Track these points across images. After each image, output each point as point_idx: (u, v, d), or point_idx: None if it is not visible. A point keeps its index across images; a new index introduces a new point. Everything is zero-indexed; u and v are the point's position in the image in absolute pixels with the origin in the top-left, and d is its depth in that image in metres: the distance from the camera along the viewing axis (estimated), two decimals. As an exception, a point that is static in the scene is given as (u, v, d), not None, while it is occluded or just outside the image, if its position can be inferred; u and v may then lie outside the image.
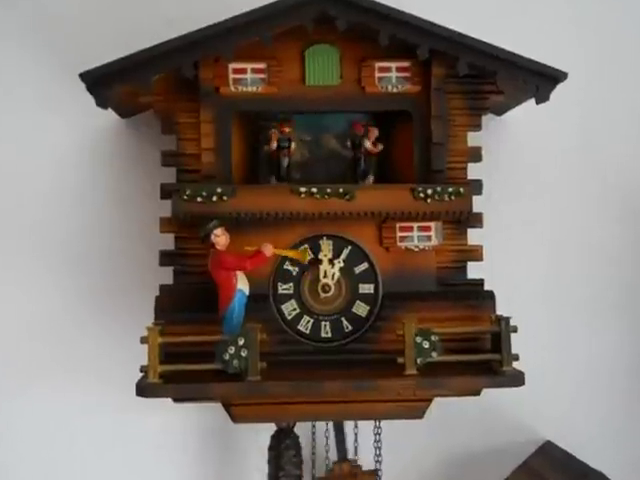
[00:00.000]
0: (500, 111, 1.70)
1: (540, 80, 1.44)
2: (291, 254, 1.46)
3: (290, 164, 1.53)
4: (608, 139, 1.78)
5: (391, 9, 1.39)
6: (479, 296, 1.49)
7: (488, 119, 1.61)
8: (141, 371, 1.37)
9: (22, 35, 1.71)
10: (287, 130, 1.51)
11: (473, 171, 1.51)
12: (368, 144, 1.52)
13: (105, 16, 1.71)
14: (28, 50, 1.71)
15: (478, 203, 1.49)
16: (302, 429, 1.62)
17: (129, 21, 1.70)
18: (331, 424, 1.65)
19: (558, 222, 1.76)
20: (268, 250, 1.40)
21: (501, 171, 1.72)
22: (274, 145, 1.51)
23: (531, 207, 1.75)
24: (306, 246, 1.47)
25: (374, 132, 1.52)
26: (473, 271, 1.52)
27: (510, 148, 1.75)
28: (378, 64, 1.49)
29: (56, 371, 1.69)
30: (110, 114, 1.57)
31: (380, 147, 1.52)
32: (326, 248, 1.48)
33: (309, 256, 1.48)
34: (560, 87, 1.45)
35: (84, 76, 1.39)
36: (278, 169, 1.52)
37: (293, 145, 1.53)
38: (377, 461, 1.60)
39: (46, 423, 1.71)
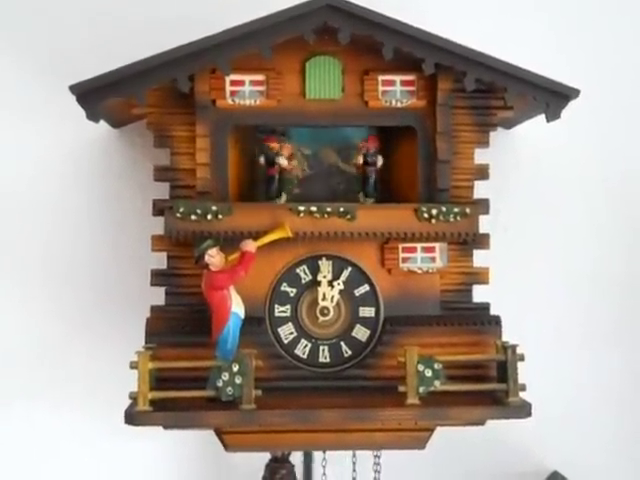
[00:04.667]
0: (509, 125, 1.65)
1: (551, 97, 1.39)
2: (275, 236, 1.38)
3: (283, 181, 1.49)
4: (625, 156, 1.72)
5: (396, 22, 1.33)
6: (485, 321, 1.45)
7: (496, 133, 1.55)
8: (130, 398, 1.32)
9: (4, 40, 1.65)
10: (275, 146, 1.47)
11: (479, 188, 1.46)
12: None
13: (95, 23, 1.65)
14: (11, 55, 1.65)
15: (484, 223, 1.44)
16: (298, 458, 1.57)
17: (122, 28, 1.64)
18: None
19: (569, 244, 1.71)
20: (251, 246, 1.36)
21: (509, 188, 1.67)
22: (261, 160, 1.47)
23: (541, 227, 1.69)
24: (283, 222, 1.39)
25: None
26: (479, 295, 1.47)
27: (519, 163, 1.69)
28: (382, 77, 1.44)
29: (41, 395, 1.64)
30: (100, 123, 1.50)
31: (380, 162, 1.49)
32: (325, 269, 1.44)
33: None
34: (574, 100, 1.40)
35: (74, 88, 1.33)
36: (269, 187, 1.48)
37: (282, 161, 1.47)
38: (376, 493, 1.55)
39: (30, 449, 1.65)
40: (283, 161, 1.47)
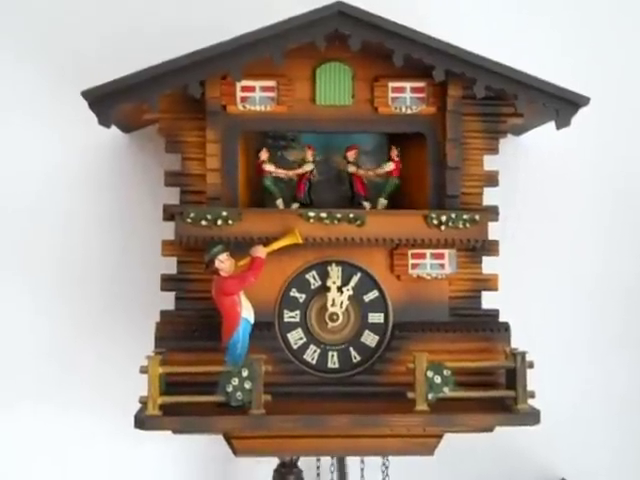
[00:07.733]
0: (518, 131, 1.65)
1: (561, 105, 1.39)
2: (285, 242, 1.39)
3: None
4: (634, 163, 1.72)
5: (407, 29, 1.34)
6: (494, 327, 1.45)
7: (505, 139, 1.55)
8: (140, 402, 1.32)
9: (16, 45, 1.66)
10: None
11: (488, 194, 1.47)
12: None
13: (107, 29, 1.66)
14: (23, 60, 1.66)
15: (494, 229, 1.45)
16: (306, 463, 1.56)
17: (134, 34, 1.65)
18: (335, 459, 1.59)
19: (577, 250, 1.70)
20: (261, 252, 1.36)
21: (518, 194, 1.67)
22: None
23: (549, 234, 1.69)
24: (293, 227, 1.39)
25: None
26: (488, 301, 1.47)
27: (528, 170, 1.69)
28: (392, 84, 1.44)
29: (50, 397, 1.64)
30: (111, 128, 1.50)
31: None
32: (335, 275, 1.44)
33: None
34: (584, 108, 1.40)
35: (87, 94, 1.34)
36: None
37: (268, 167, 1.48)
38: (385, 499, 1.55)
39: (38, 452, 1.65)
40: (270, 167, 1.48)
